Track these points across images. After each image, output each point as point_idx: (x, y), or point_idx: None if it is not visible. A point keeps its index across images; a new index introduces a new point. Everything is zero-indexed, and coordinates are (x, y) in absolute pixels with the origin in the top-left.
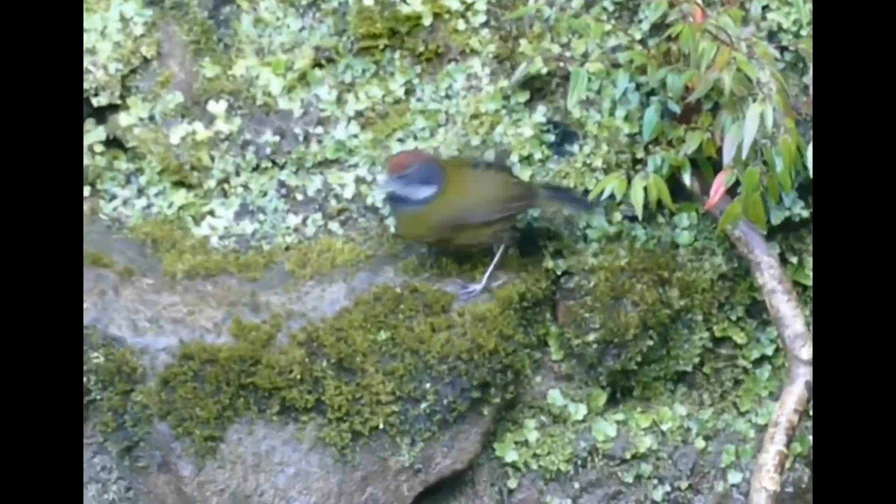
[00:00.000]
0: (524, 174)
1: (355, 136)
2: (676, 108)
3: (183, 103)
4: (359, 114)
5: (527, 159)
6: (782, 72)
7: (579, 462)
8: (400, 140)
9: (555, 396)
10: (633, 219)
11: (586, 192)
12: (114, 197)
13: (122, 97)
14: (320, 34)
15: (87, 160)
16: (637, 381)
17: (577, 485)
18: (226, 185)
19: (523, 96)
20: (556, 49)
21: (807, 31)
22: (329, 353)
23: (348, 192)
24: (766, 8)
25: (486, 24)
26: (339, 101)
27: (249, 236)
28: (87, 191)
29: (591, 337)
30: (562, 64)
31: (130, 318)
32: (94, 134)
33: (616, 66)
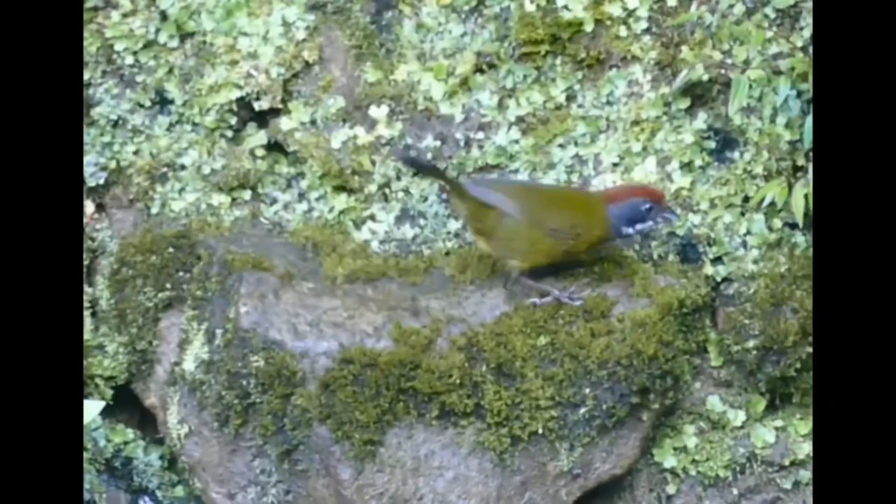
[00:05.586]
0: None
1: (516, 141)
2: None
3: (344, 108)
4: (520, 119)
5: (687, 166)
6: None
7: (738, 468)
8: (561, 146)
9: (714, 402)
10: (794, 226)
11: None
12: (275, 201)
13: (283, 101)
14: (482, 39)
15: (248, 164)
16: (796, 387)
17: (735, 491)
18: (386, 190)
19: (684, 103)
20: (717, 56)
21: None
22: (489, 358)
23: None
24: None
25: (647, 31)
26: (501, 106)
27: (410, 241)
28: (247, 195)
29: (751, 343)
30: (723, 71)
31: (291, 321)
32: (255, 138)
33: (777, 73)
